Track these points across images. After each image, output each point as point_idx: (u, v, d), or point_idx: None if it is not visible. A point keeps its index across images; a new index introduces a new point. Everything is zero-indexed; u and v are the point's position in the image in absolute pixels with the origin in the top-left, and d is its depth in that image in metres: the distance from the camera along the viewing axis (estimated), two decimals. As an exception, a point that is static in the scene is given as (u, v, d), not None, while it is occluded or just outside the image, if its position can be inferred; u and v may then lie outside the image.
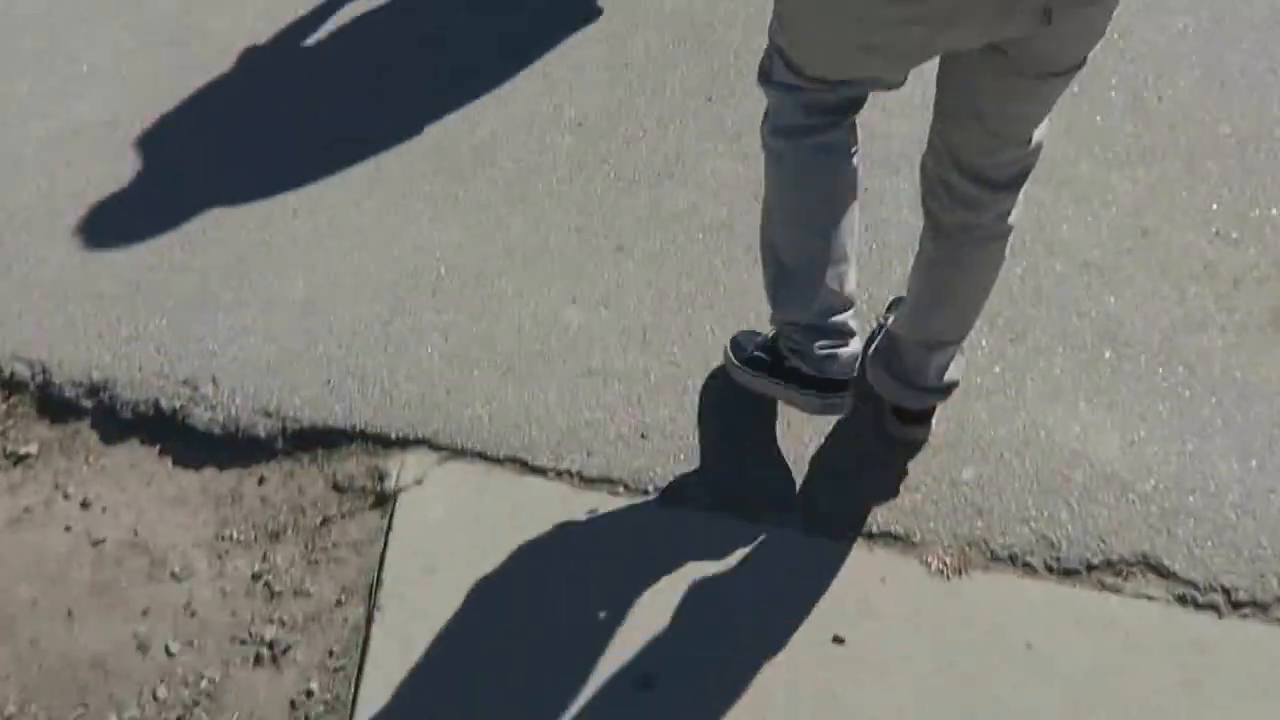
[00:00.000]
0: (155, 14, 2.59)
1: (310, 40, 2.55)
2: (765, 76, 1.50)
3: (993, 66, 1.33)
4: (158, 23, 2.57)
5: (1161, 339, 1.92)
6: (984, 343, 1.92)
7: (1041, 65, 1.31)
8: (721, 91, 2.34)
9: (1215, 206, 2.12)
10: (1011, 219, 1.53)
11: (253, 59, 2.48)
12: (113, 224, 2.14)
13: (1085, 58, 1.34)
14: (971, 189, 1.48)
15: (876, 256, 2.05)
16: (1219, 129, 2.26)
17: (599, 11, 2.53)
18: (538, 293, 2.00)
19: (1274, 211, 2.11)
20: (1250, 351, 1.90)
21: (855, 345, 1.63)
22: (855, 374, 1.66)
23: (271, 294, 2.01)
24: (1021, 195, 1.53)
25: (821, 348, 1.61)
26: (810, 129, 1.50)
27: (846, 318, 1.62)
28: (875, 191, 2.13)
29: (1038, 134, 1.46)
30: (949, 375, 1.72)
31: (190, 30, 2.55)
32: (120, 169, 2.24)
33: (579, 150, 2.24)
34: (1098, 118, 2.28)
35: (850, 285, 1.60)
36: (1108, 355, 1.90)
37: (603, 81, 2.37)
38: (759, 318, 1.94)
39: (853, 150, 1.55)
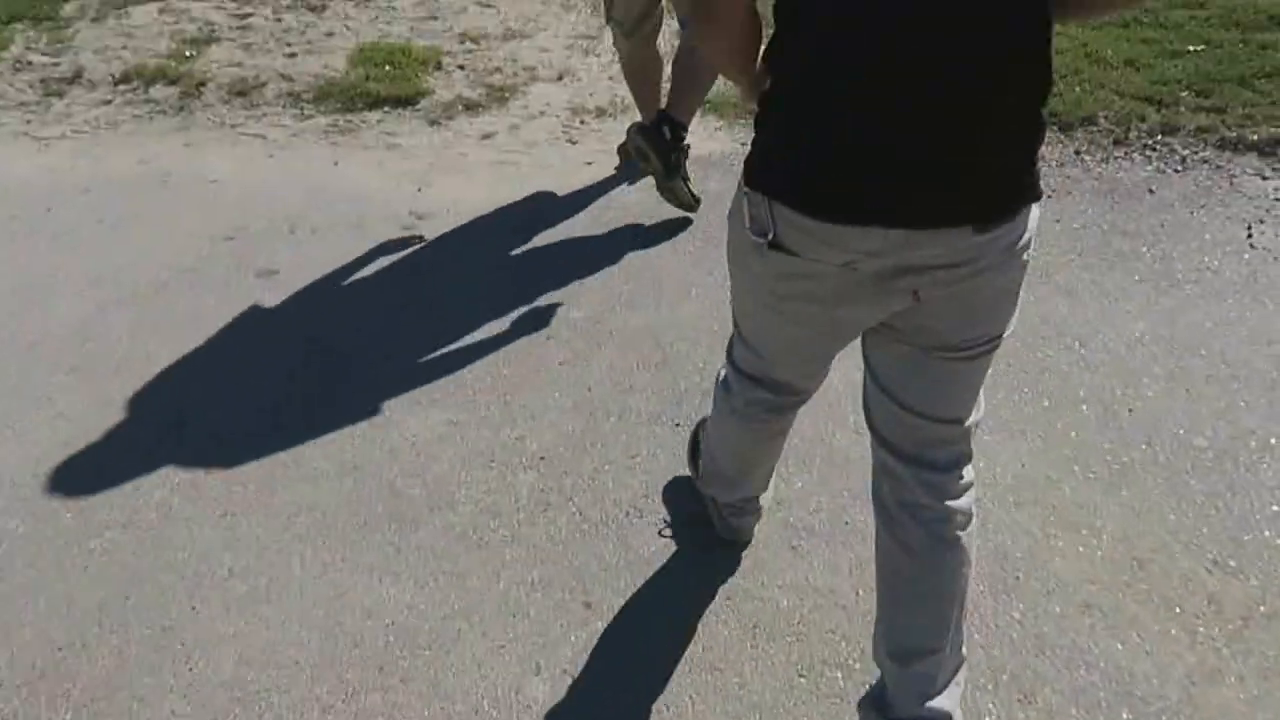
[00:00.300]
0: (104, 344, 2.51)
1: (255, 368, 2.46)
2: (729, 354, 1.70)
3: (890, 342, 1.44)
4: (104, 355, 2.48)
5: (1180, 694, 1.77)
6: (990, 705, 1.74)
7: (929, 340, 1.40)
8: (689, 415, 2.26)
9: (1205, 530, 2.03)
10: (957, 504, 1.51)
11: (187, 395, 2.37)
12: (21, 594, 1.93)
13: (988, 340, 1.41)
14: (903, 470, 1.51)
15: (864, 602, 1.90)
16: (1194, 441, 2.22)
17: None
18: (497, 661, 1.80)
19: (1267, 533, 2.03)
20: (1275, 706, 1.75)
21: (759, 511, 1.95)
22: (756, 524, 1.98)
23: (196, 675, 1.78)
24: (968, 484, 1.53)
25: (729, 512, 1.93)
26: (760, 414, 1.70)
27: (759, 496, 1.92)
28: (855, 527, 2.01)
29: (968, 419, 1.50)
30: (936, 703, 1.53)
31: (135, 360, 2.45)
32: (37, 525, 2.05)
33: (541, 487, 2.11)
34: (1073, 433, 2.23)
35: (771, 476, 1.92)
36: (1126, 717, 1.74)
37: (566, 408, 2.28)
38: (752, 677, 1.76)
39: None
